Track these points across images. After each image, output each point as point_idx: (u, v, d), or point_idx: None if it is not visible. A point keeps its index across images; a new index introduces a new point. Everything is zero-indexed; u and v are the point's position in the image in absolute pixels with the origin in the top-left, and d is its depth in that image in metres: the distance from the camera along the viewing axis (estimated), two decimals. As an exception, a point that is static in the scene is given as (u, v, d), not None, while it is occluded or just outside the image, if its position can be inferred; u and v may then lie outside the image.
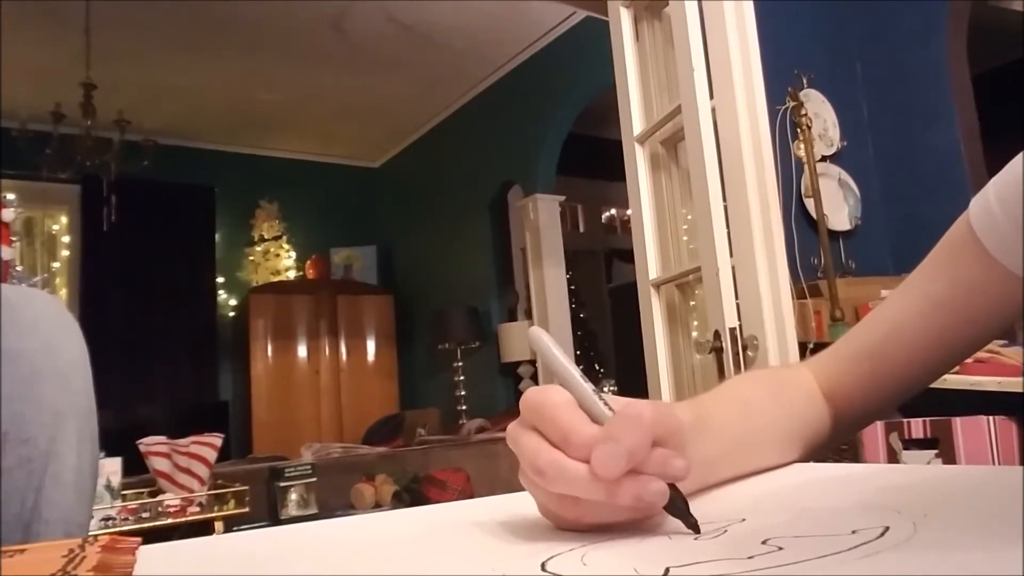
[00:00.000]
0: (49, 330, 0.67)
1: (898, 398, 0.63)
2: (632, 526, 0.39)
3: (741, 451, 0.52)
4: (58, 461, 0.64)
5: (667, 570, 0.30)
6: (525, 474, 0.39)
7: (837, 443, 0.65)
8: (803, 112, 2.28)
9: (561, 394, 0.40)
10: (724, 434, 0.50)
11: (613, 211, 7.35)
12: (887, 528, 0.32)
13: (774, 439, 0.56)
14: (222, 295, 6.18)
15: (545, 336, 0.42)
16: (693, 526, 0.37)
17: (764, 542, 0.32)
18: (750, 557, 0.30)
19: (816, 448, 0.61)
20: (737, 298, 1.74)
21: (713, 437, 0.48)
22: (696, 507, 0.38)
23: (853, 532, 0.32)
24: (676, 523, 0.38)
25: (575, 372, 0.41)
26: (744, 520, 0.39)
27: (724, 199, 1.78)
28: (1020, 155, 0.53)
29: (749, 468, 0.53)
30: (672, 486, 0.37)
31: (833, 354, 0.65)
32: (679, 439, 0.39)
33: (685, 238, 2.12)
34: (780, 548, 0.31)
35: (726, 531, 0.37)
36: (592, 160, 5.54)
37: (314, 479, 3.25)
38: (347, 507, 3.44)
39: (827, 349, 0.67)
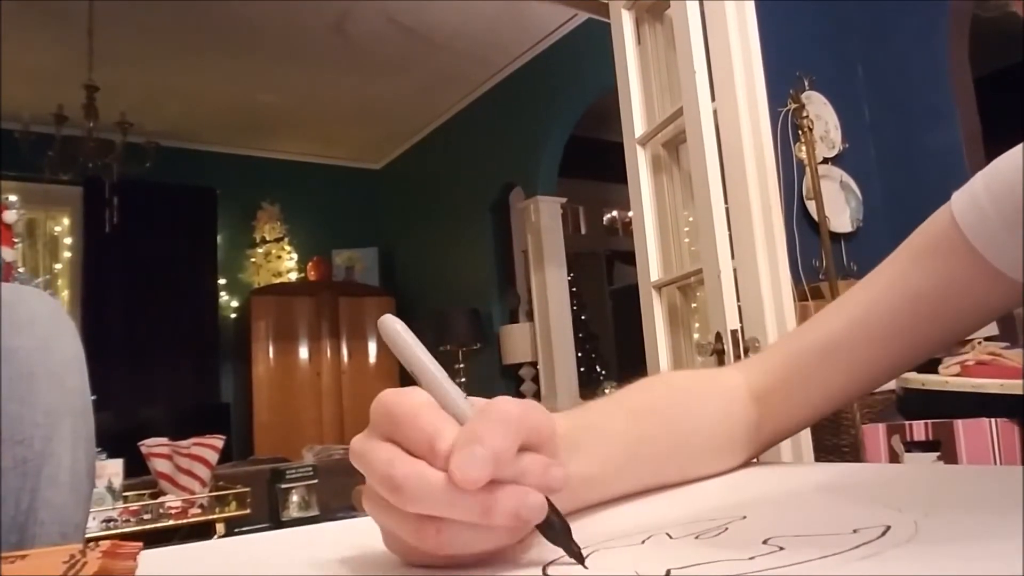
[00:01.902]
0: (44, 329, 0.66)
1: (853, 395, 0.59)
2: (501, 558, 0.34)
3: (634, 465, 0.47)
4: (53, 462, 0.63)
5: (668, 571, 0.30)
6: (371, 495, 0.33)
7: (776, 443, 0.59)
8: (804, 114, 2.28)
9: (421, 395, 0.34)
10: (611, 447, 0.45)
11: (615, 213, 7.34)
12: (888, 528, 0.32)
13: (679, 449, 0.51)
14: (224, 297, 6.18)
15: (398, 324, 0.35)
16: (576, 555, 0.32)
17: (765, 542, 0.32)
18: (751, 557, 0.30)
19: (738, 455, 0.55)
20: (739, 300, 1.74)
21: (595, 451, 0.44)
22: (696, 507, 0.38)
23: (854, 531, 0.32)
24: (555, 551, 0.32)
25: (432, 365, 0.35)
26: (745, 518, 0.39)
27: (725, 201, 1.78)
28: (1011, 152, 0.51)
29: (647, 483, 0.48)
30: (550, 506, 0.32)
31: (775, 352, 0.61)
32: (552, 445, 0.35)
33: (687, 240, 2.12)
34: (781, 548, 0.31)
35: (727, 529, 0.36)
36: (594, 162, 5.54)
37: (315, 481, 3.25)
38: (348, 509, 3.43)
39: (770, 346, 0.63)
